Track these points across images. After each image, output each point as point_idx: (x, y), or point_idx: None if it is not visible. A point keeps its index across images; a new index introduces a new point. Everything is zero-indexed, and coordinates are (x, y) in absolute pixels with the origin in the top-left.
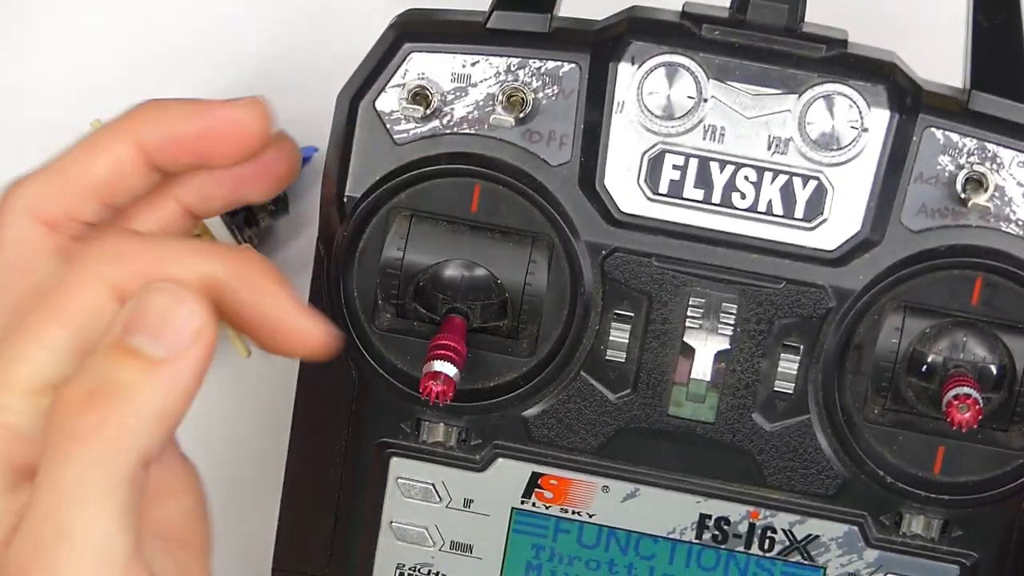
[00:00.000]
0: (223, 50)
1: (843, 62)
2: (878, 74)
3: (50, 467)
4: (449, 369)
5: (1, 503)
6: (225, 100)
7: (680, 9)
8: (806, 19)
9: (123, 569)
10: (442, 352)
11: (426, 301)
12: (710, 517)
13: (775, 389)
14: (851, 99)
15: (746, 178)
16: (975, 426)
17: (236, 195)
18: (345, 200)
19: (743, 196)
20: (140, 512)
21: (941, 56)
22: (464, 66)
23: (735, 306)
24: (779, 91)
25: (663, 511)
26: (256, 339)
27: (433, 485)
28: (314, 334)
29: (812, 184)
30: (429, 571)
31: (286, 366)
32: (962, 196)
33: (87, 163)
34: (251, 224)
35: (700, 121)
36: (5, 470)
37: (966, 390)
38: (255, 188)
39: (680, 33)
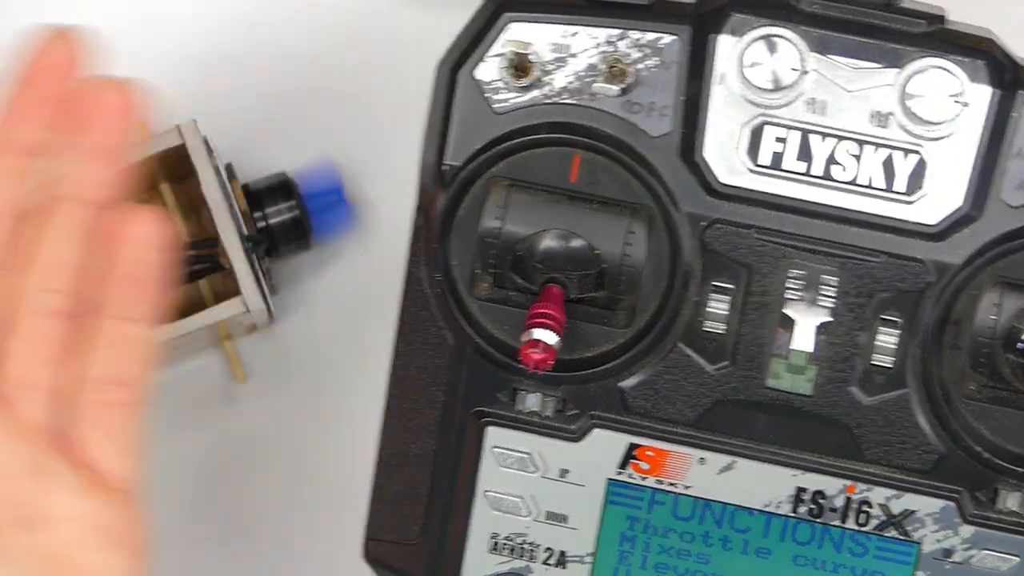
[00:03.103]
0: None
1: (943, 37)
2: (978, 50)
3: None
4: (549, 337)
5: None
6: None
7: None
8: None
9: None
10: (542, 320)
11: (524, 271)
12: (806, 491)
13: (873, 363)
14: (953, 73)
15: (847, 151)
16: None
17: None
18: (445, 169)
19: (844, 169)
20: None
21: None
22: (564, 36)
23: (835, 279)
24: (880, 65)
25: (759, 484)
26: None
27: (529, 455)
28: None
29: (913, 158)
30: (523, 541)
31: (281, 392)
32: None
33: None
34: (271, 254)
35: (801, 93)
36: None
37: None
38: None
39: (780, 6)
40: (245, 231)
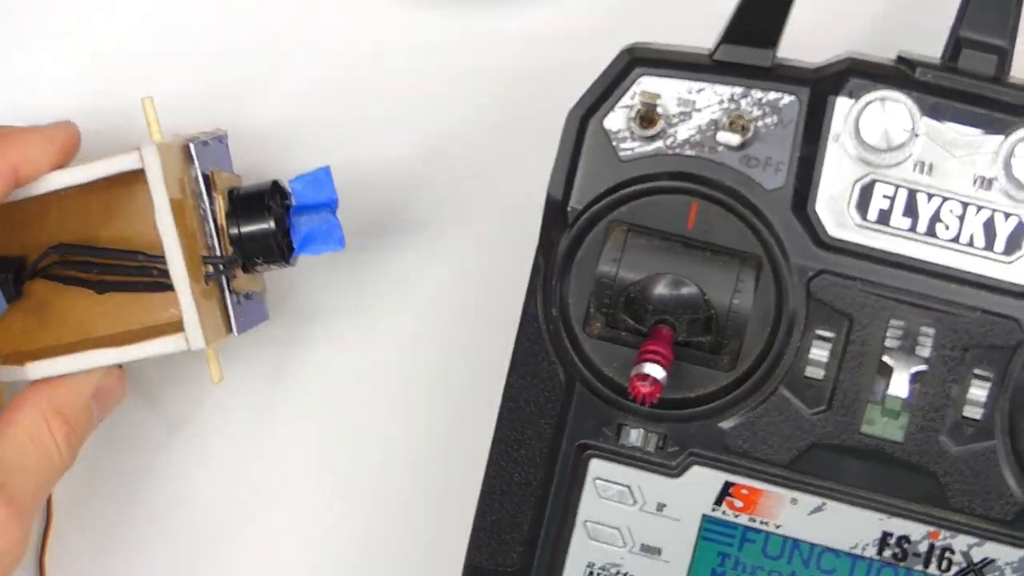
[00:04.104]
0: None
1: None
2: None
3: None
4: (658, 372)
5: None
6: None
7: (895, 56)
8: (1011, 74)
9: None
10: (652, 356)
11: (635, 313)
12: (892, 535)
13: (964, 415)
14: None
15: (951, 211)
16: None
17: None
18: (569, 211)
19: (947, 227)
20: None
21: None
22: (690, 92)
23: (932, 331)
24: (986, 132)
25: (847, 526)
26: None
27: (629, 487)
28: None
29: (1013, 221)
30: (618, 571)
31: (256, 391)
32: None
33: None
34: (247, 269)
35: (910, 155)
36: None
37: None
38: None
39: (896, 74)
40: (218, 251)
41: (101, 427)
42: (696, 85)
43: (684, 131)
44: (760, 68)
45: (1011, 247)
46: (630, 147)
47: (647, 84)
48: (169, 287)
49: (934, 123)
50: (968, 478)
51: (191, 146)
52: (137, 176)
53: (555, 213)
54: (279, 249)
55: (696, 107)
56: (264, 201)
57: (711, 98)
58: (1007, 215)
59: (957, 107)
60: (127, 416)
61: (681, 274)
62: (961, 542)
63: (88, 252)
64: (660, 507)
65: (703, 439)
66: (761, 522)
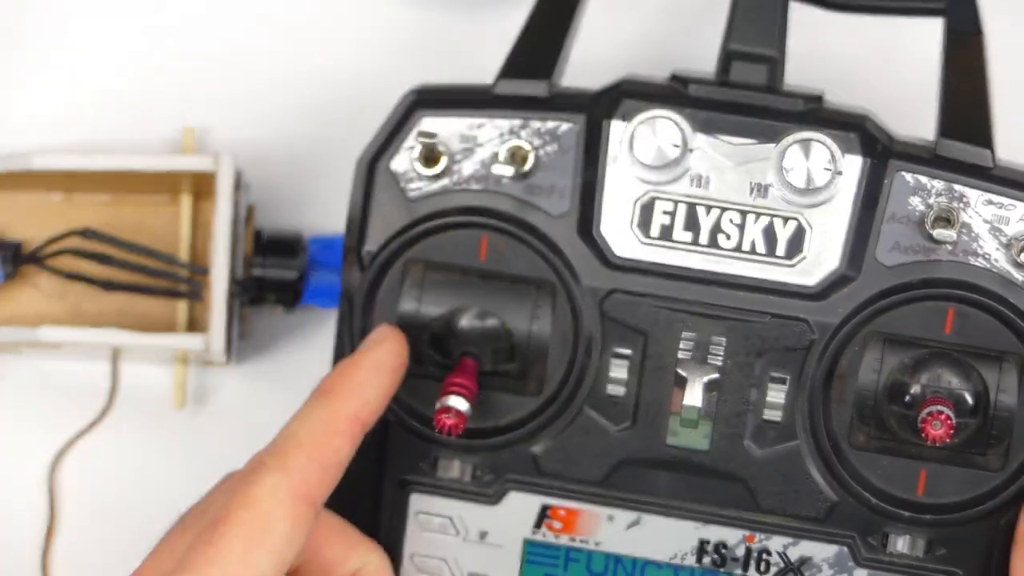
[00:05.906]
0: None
1: (818, 114)
2: (851, 124)
3: None
4: (461, 404)
5: None
6: (375, 347)
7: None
8: (785, 83)
9: None
10: (454, 389)
11: (440, 347)
12: (709, 542)
13: (764, 418)
14: (826, 145)
15: (731, 221)
16: (948, 440)
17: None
18: (364, 254)
19: (728, 237)
20: None
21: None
22: (471, 128)
23: (724, 339)
24: (759, 141)
25: (665, 537)
26: None
27: (450, 518)
28: None
29: (792, 225)
30: None
31: (214, 419)
32: (932, 233)
33: (334, 448)
34: (256, 303)
35: (687, 170)
36: None
37: (939, 407)
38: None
39: (669, 92)
40: (240, 275)
41: (106, 425)
42: (476, 121)
43: (468, 167)
44: (538, 99)
45: (792, 250)
46: (417, 187)
47: (428, 124)
48: (181, 296)
49: (707, 137)
50: (776, 480)
51: (243, 174)
52: (173, 199)
53: (352, 258)
54: (293, 294)
55: (478, 142)
56: (294, 247)
57: (492, 132)
58: (785, 220)
59: (730, 119)
60: (129, 416)
61: (480, 306)
62: (777, 543)
63: (115, 243)
64: (482, 535)
65: (517, 465)
66: (581, 541)
